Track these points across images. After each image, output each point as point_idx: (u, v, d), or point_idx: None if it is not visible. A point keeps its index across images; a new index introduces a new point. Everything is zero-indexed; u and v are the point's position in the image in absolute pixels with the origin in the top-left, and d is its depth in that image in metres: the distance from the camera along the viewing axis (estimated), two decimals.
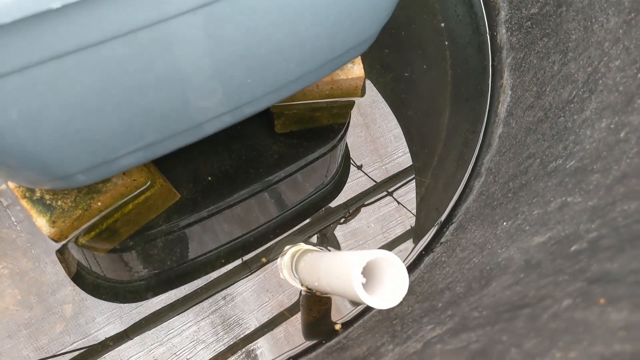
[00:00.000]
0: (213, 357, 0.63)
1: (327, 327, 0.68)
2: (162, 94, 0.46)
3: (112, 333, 0.63)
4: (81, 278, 0.66)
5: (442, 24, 0.92)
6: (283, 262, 0.72)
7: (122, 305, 0.64)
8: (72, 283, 0.64)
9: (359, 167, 0.81)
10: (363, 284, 0.44)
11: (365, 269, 0.45)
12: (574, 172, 0.45)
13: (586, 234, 0.35)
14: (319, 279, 0.57)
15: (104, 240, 0.68)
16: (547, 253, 0.38)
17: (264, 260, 0.73)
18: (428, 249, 0.69)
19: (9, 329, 0.61)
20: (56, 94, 0.38)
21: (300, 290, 0.70)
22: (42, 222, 0.60)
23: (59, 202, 0.61)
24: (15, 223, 0.65)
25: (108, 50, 0.36)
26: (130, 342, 0.63)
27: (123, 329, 0.63)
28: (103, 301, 0.64)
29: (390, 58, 0.88)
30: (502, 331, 0.32)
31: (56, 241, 0.64)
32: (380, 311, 0.59)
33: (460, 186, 0.75)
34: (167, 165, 0.72)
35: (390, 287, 0.46)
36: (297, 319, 0.66)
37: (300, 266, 0.66)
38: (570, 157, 0.48)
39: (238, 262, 0.70)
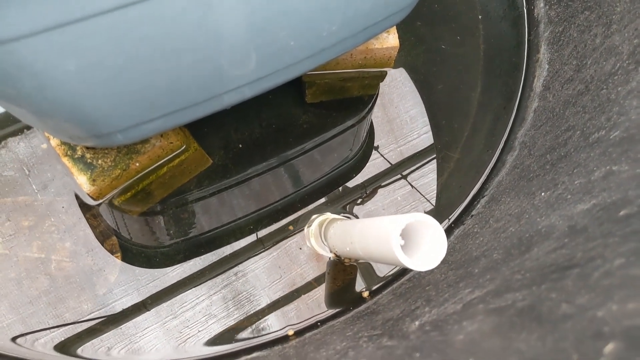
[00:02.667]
0: (224, 330, 0.63)
1: (351, 296, 0.69)
2: (210, 52, 0.46)
3: (129, 304, 0.64)
4: (108, 243, 0.68)
5: None
6: (310, 230, 0.73)
7: (139, 277, 0.65)
8: (93, 251, 0.65)
9: (376, 149, 0.80)
10: (401, 247, 0.44)
11: (402, 232, 0.46)
12: (619, 142, 0.44)
13: (636, 199, 0.35)
14: (352, 243, 0.57)
15: (138, 202, 0.70)
16: (593, 218, 0.38)
17: (290, 228, 0.74)
18: (458, 221, 0.69)
19: (30, 295, 0.62)
20: (115, 46, 0.39)
21: (329, 259, 0.71)
22: (82, 180, 0.61)
23: (99, 161, 0.62)
24: (36, 191, 0.66)
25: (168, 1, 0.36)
26: (145, 314, 0.64)
27: (139, 300, 0.64)
28: (121, 272, 0.65)
29: (422, 30, 0.87)
30: (550, 290, 0.33)
31: (94, 199, 0.66)
32: (410, 279, 0.60)
33: (492, 160, 0.74)
34: (200, 131, 0.73)
35: (427, 250, 0.46)
36: (309, 297, 0.67)
37: (330, 233, 0.67)
38: (615, 128, 0.47)
39: (253, 237, 0.71)
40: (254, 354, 0.58)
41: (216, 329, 0.64)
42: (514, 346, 0.28)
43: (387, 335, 0.44)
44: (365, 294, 0.66)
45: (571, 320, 0.27)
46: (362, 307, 0.60)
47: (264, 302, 0.66)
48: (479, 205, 0.67)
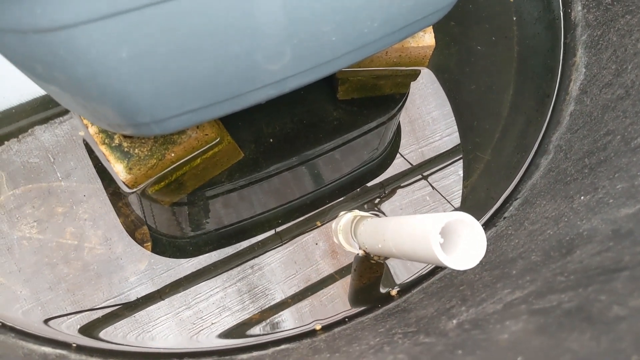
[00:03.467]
0: (237, 323, 0.64)
1: (377, 294, 0.69)
2: (254, 44, 0.47)
3: (143, 293, 0.65)
4: (132, 231, 0.69)
5: None
6: (339, 226, 0.73)
7: (154, 267, 0.66)
8: (110, 240, 0.66)
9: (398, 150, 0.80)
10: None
11: (441, 231, 0.45)
12: None
13: None
14: (385, 240, 0.57)
15: (170, 192, 0.71)
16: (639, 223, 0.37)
17: (318, 223, 0.74)
18: (490, 223, 0.68)
19: (51, 281, 0.63)
20: (166, 35, 0.39)
21: (356, 255, 0.71)
22: (119, 168, 0.62)
23: (136, 150, 0.63)
24: (60, 178, 0.68)
25: None
26: (159, 304, 0.65)
27: (154, 289, 0.65)
28: (138, 261, 0.66)
29: (456, 31, 0.86)
30: (599, 292, 0.32)
31: (130, 188, 0.67)
32: (441, 278, 0.60)
33: (525, 163, 0.74)
34: (234, 124, 0.73)
35: (465, 249, 0.46)
36: (323, 294, 0.67)
37: (360, 230, 0.67)
38: None
39: (271, 232, 0.71)
40: (283, 346, 0.58)
41: (231, 321, 0.65)
42: (565, 345, 0.28)
43: (423, 333, 0.44)
44: (394, 293, 0.66)
45: (625, 322, 0.27)
46: (392, 305, 0.60)
47: (282, 296, 0.66)
48: (511, 208, 0.66)
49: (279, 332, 0.63)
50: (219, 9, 0.41)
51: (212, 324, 0.64)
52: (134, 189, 0.68)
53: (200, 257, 0.69)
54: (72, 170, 0.69)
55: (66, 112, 0.72)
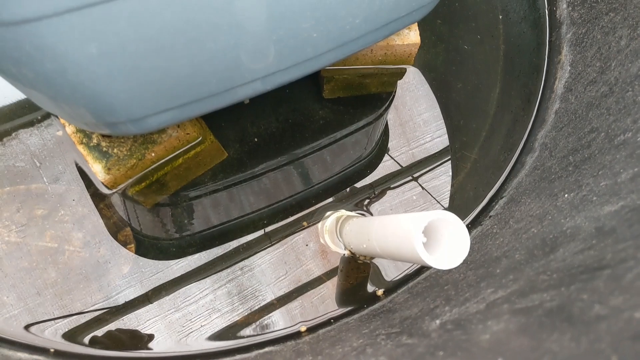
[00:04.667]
0: (230, 325, 0.63)
1: (364, 294, 0.68)
2: (231, 42, 0.45)
3: (132, 297, 0.64)
4: (117, 234, 0.67)
5: None
6: (325, 226, 0.72)
7: (143, 270, 0.65)
8: (100, 243, 0.65)
9: (387, 151, 0.80)
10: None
11: (424, 230, 0.45)
12: None
13: None
14: (369, 240, 0.57)
15: (152, 193, 0.69)
16: (622, 220, 0.37)
17: (304, 224, 0.73)
18: (475, 222, 0.68)
19: (38, 286, 0.62)
20: (138, 31, 0.38)
21: (342, 256, 0.70)
22: (97, 168, 0.61)
23: (115, 150, 0.62)
24: (47, 183, 0.66)
25: None
26: (148, 307, 0.64)
27: (142, 292, 0.64)
28: (126, 264, 0.65)
29: (442, 29, 0.86)
30: (581, 290, 0.32)
31: (109, 188, 0.65)
32: (427, 278, 0.59)
33: (511, 162, 0.73)
34: (217, 123, 0.72)
35: (449, 248, 0.45)
36: (320, 293, 0.66)
37: (346, 230, 0.66)
38: None
39: (259, 233, 0.70)
40: (266, 349, 0.57)
41: (220, 323, 0.64)
42: (545, 346, 0.27)
43: (406, 334, 0.43)
44: (380, 293, 0.65)
45: (606, 322, 0.26)
46: (377, 306, 0.59)
47: (272, 297, 0.65)
48: (497, 206, 0.66)
49: (264, 334, 0.62)
50: (193, 4, 0.40)
51: (202, 326, 0.63)
52: (114, 190, 0.66)
53: (188, 258, 0.68)
54: (60, 174, 0.67)
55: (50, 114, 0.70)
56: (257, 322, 0.64)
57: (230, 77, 0.52)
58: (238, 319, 0.64)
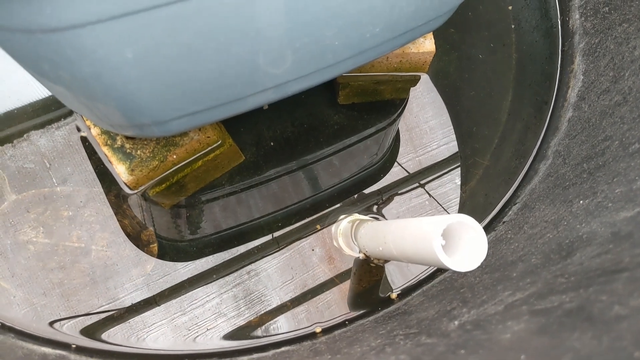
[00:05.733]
0: (233, 330, 0.64)
1: (377, 297, 0.69)
2: (258, 48, 0.47)
3: (138, 299, 0.65)
4: (132, 236, 0.69)
5: (510, 7, 0.90)
6: (339, 230, 0.73)
7: (150, 273, 0.65)
8: (108, 245, 0.66)
9: (397, 157, 0.81)
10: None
11: (442, 233, 0.46)
12: None
13: None
14: (385, 243, 0.58)
15: (171, 194, 0.71)
16: (639, 225, 0.38)
17: (318, 227, 0.74)
18: (489, 227, 0.69)
19: (45, 287, 0.63)
20: (172, 37, 0.40)
21: (355, 259, 0.71)
22: (121, 169, 0.63)
23: (138, 152, 0.63)
24: (56, 184, 0.68)
25: None
26: (154, 309, 0.64)
27: (149, 295, 0.65)
28: (133, 266, 0.66)
29: (456, 37, 0.87)
30: (599, 292, 0.33)
31: (131, 189, 0.67)
32: (441, 281, 0.60)
33: (524, 169, 0.74)
34: (235, 127, 0.74)
35: (466, 251, 0.46)
36: (319, 299, 0.67)
37: (361, 233, 0.67)
38: None
39: (270, 237, 0.71)
40: (283, 348, 0.58)
41: (232, 324, 0.64)
42: (567, 345, 0.28)
43: (424, 334, 0.44)
44: (394, 296, 0.66)
45: (627, 321, 0.27)
46: (392, 308, 0.60)
47: (283, 300, 0.66)
48: (510, 212, 0.67)
49: (279, 334, 0.63)
50: (223, 11, 0.42)
51: (208, 329, 0.64)
52: (136, 191, 0.68)
53: (198, 261, 0.69)
54: (69, 175, 0.69)
55: (63, 117, 0.72)
56: (266, 325, 0.65)
57: (253, 83, 0.54)
58: (245, 322, 0.65)
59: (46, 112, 0.73)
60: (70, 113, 0.72)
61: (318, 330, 0.63)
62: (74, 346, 0.57)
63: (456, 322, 0.43)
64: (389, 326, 0.53)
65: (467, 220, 0.46)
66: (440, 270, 0.66)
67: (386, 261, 0.70)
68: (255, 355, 0.57)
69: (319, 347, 0.54)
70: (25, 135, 0.70)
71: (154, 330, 0.63)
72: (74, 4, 0.35)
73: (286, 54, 0.51)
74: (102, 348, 0.59)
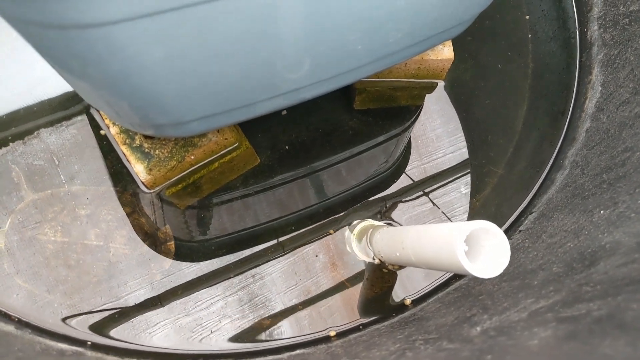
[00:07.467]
0: (237, 333, 0.64)
1: (388, 303, 0.69)
2: (281, 51, 0.47)
3: (142, 299, 0.64)
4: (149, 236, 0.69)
5: (527, 17, 0.90)
6: (353, 235, 0.73)
7: (154, 272, 0.65)
8: (113, 242, 0.66)
9: (408, 164, 0.81)
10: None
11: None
12: None
13: None
14: (403, 249, 0.58)
15: (187, 195, 0.71)
16: None
17: (331, 232, 0.74)
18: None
19: (49, 284, 0.63)
20: (200, 38, 0.40)
21: (368, 264, 0.71)
22: (139, 168, 0.63)
23: (157, 152, 0.63)
24: (64, 181, 0.68)
25: None
26: (158, 309, 0.64)
27: (153, 295, 0.64)
28: (137, 265, 0.65)
29: (472, 46, 0.87)
30: (629, 300, 0.32)
31: (148, 188, 0.67)
32: (457, 289, 0.59)
33: (540, 178, 0.74)
34: (251, 130, 0.74)
35: (488, 258, 0.46)
36: (322, 304, 0.67)
37: (376, 238, 0.67)
38: None
39: (274, 241, 0.71)
40: (298, 351, 0.58)
41: (243, 324, 0.64)
42: (600, 351, 0.28)
43: (445, 339, 0.44)
44: (408, 302, 0.66)
45: None
46: (408, 314, 0.60)
47: (296, 301, 0.66)
48: (527, 221, 0.67)
49: (293, 337, 0.63)
50: (251, 13, 0.42)
51: (213, 330, 0.64)
52: (152, 190, 0.68)
53: (210, 261, 0.69)
54: (76, 173, 0.69)
55: (75, 114, 0.72)
56: (290, 325, 0.65)
57: (275, 86, 0.54)
58: (248, 326, 0.65)
59: (63, 109, 0.73)
60: (83, 112, 0.72)
61: (332, 334, 0.63)
62: (89, 343, 0.57)
63: (478, 328, 0.43)
64: (406, 331, 0.52)
65: (490, 226, 0.45)
66: (455, 277, 0.66)
67: (401, 267, 0.69)
68: (270, 357, 0.57)
69: (335, 350, 0.53)
70: (43, 132, 0.70)
71: (159, 329, 0.62)
72: (109, 1, 0.36)
73: (310, 57, 0.52)
74: (117, 346, 0.59)
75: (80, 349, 0.54)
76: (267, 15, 0.43)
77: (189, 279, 0.66)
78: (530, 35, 0.89)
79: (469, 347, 0.39)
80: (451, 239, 0.45)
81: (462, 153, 0.81)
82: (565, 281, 0.43)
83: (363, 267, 0.70)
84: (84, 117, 0.72)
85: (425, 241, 0.51)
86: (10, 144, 0.70)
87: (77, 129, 0.71)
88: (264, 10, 0.42)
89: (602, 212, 0.52)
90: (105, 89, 0.46)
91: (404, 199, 0.76)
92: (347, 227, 0.73)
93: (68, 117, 0.73)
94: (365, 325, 0.63)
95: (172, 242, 0.67)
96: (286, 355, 0.57)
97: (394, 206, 0.76)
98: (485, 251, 0.46)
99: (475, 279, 0.59)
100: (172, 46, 0.41)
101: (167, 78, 0.45)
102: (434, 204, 0.77)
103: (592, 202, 0.56)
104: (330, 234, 0.74)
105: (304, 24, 0.46)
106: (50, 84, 0.73)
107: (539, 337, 0.34)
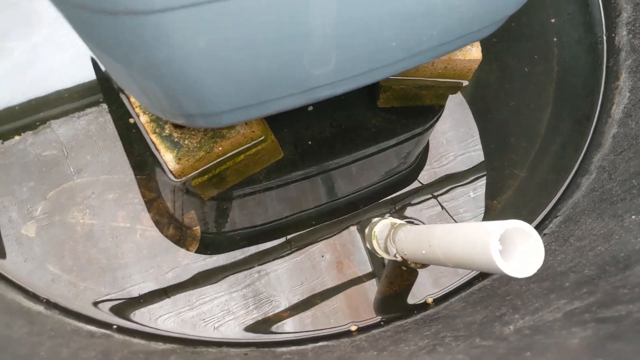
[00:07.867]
0: (241, 329, 0.64)
1: (406, 302, 0.69)
2: (316, 44, 0.48)
3: (146, 291, 0.65)
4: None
5: (552, 20, 0.90)
6: (373, 232, 0.73)
7: (160, 264, 0.66)
8: (118, 235, 0.66)
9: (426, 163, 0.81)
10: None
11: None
12: None
13: None
14: (430, 247, 0.58)
15: (212, 186, 0.71)
16: None
17: (354, 227, 0.74)
18: None
19: (55, 274, 0.64)
20: (241, 28, 0.40)
21: (388, 262, 0.71)
22: (168, 158, 0.63)
23: (186, 142, 0.64)
24: (73, 173, 0.68)
25: None
26: (161, 302, 0.64)
27: (157, 288, 0.65)
28: (144, 257, 0.66)
29: (498, 47, 0.87)
30: None
31: (176, 177, 0.67)
32: (481, 289, 0.60)
33: (565, 182, 0.74)
34: (275, 124, 0.74)
35: (521, 258, 0.46)
36: (326, 305, 0.67)
37: (400, 236, 0.67)
38: None
39: (282, 239, 0.71)
40: (320, 343, 0.58)
41: (256, 316, 0.64)
42: None
43: (477, 336, 0.44)
44: (430, 300, 0.66)
45: None
46: (431, 312, 0.60)
47: (314, 293, 0.66)
48: (552, 225, 0.67)
49: (315, 330, 0.63)
50: (294, 6, 0.42)
51: (235, 318, 0.64)
52: (179, 180, 0.69)
53: (234, 252, 0.69)
54: (85, 165, 0.69)
55: (91, 105, 0.73)
56: (305, 317, 0.65)
57: (308, 79, 0.54)
58: (251, 323, 0.65)
59: (91, 96, 0.74)
60: (113, 101, 0.73)
61: (353, 328, 0.63)
62: (115, 327, 0.58)
63: (511, 327, 0.43)
64: (433, 328, 0.52)
65: (525, 226, 0.45)
66: (479, 277, 0.66)
67: (423, 265, 0.69)
68: (294, 348, 0.57)
69: (360, 344, 0.54)
70: (47, 123, 0.71)
71: (161, 323, 0.63)
72: None
73: (345, 51, 0.52)
74: (143, 330, 0.59)
75: (107, 332, 0.54)
76: (304, 9, 0.43)
77: (221, 264, 0.66)
78: (555, 39, 0.88)
79: (504, 345, 0.39)
80: (486, 238, 0.45)
81: (483, 154, 0.81)
82: (599, 283, 0.43)
83: (380, 264, 0.70)
84: (111, 106, 0.72)
85: (457, 240, 0.51)
86: (40, 132, 0.71)
87: (104, 117, 0.72)
88: (300, 3, 0.42)
89: (633, 217, 0.52)
90: (146, 75, 0.47)
91: (423, 198, 0.77)
92: (366, 223, 0.74)
93: (96, 104, 0.73)
94: (387, 322, 0.63)
95: (197, 227, 0.67)
96: (310, 346, 0.57)
97: (414, 204, 0.76)
98: (518, 251, 0.46)
99: (500, 279, 0.59)
100: (214, 35, 0.41)
101: (208, 68, 0.45)
102: (442, 207, 0.77)
103: (622, 207, 0.56)
104: (351, 228, 0.74)
105: (342, 18, 0.46)
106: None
107: (579, 336, 0.34)
